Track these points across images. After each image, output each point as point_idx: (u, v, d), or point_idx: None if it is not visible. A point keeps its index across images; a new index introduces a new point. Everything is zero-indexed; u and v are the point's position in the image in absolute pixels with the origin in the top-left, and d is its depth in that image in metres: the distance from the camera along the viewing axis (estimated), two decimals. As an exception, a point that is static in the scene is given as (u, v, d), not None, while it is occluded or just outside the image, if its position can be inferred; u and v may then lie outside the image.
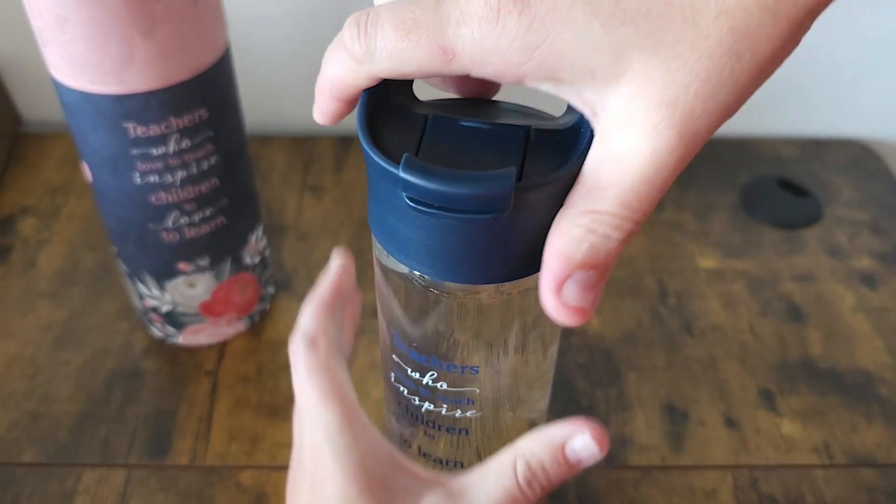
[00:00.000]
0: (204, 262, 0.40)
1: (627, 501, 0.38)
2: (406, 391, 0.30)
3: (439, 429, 0.30)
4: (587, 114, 0.21)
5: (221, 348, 0.44)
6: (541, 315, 0.27)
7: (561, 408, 0.41)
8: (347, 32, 0.21)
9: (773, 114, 0.59)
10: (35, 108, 0.58)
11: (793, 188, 0.55)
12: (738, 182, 0.55)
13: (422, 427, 0.31)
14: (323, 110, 0.24)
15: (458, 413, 0.29)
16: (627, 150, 0.20)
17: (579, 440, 0.25)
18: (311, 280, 0.48)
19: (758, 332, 0.46)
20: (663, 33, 0.18)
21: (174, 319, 0.42)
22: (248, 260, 0.42)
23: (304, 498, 0.26)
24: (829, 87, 0.58)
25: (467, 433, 0.30)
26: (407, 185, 0.21)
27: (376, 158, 0.22)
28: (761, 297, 0.47)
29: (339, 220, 0.51)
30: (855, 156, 0.58)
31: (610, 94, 0.20)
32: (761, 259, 0.50)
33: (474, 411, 0.29)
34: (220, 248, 0.40)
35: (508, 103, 0.26)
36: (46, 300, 0.46)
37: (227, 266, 0.41)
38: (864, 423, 0.41)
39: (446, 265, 0.23)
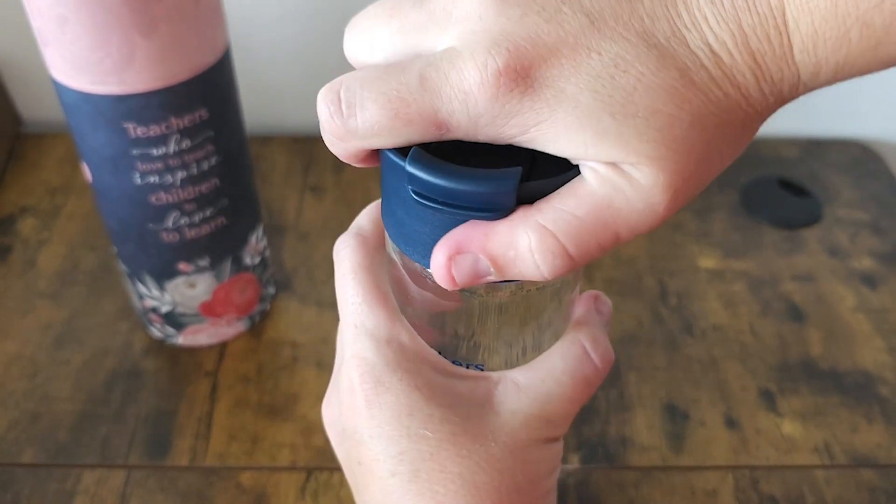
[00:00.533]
0: (204, 262, 0.40)
1: (628, 502, 0.38)
2: None
3: None
4: (568, 157, 0.21)
5: (221, 348, 0.44)
6: (555, 312, 0.27)
7: (561, 408, 0.41)
8: (323, 111, 0.21)
9: (774, 114, 0.59)
10: (35, 108, 0.58)
11: (793, 188, 0.55)
12: (738, 182, 0.55)
13: None
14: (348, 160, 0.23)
15: None
16: (618, 207, 0.20)
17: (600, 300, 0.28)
18: (311, 280, 0.48)
19: (758, 333, 0.46)
20: (672, 130, 0.19)
21: (174, 320, 0.42)
22: (248, 260, 0.42)
23: (357, 414, 0.25)
24: (829, 87, 0.58)
25: None
26: (412, 178, 0.21)
27: (386, 150, 0.22)
28: (762, 298, 0.47)
29: (339, 220, 0.51)
30: (855, 156, 0.58)
31: (602, 162, 0.20)
32: (762, 259, 0.50)
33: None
34: (220, 248, 0.40)
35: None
36: (46, 300, 0.46)
37: (227, 266, 0.41)
38: (864, 423, 0.41)
39: None
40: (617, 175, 0.19)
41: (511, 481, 0.24)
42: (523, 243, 0.20)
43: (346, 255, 0.26)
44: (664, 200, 0.20)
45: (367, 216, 0.27)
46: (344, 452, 0.27)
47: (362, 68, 0.21)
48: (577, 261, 0.20)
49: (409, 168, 0.21)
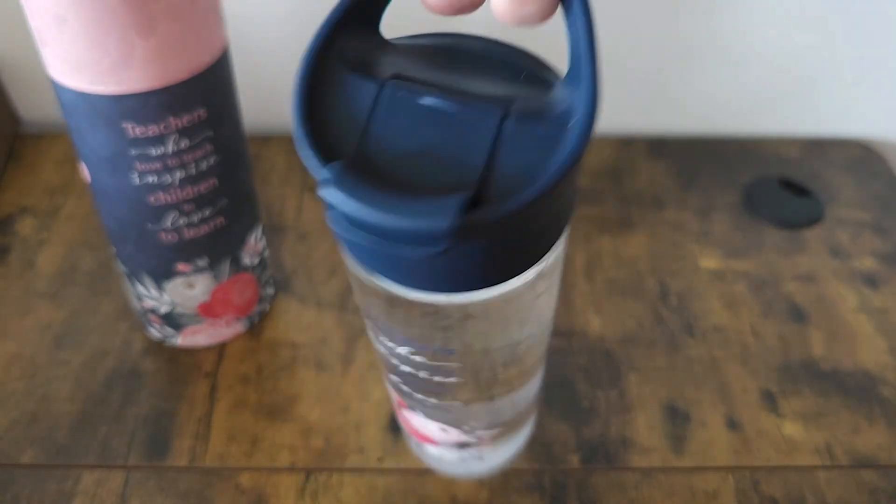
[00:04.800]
0: (203, 262, 0.40)
1: (628, 503, 0.38)
2: (383, 349, 0.27)
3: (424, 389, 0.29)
4: None
5: (220, 349, 0.44)
6: (528, 312, 0.25)
7: (561, 409, 0.41)
8: None
9: (775, 113, 0.59)
10: (34, 108, 0.58)
11: (794, 188, 0.54)
12: (739, 182, 0.55)
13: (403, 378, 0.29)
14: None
15: (437, 378, 0.27)
16: None
17: None
18: (310, 281, 0.47)
19: (759, 333, 0.45)
20: None
21: (173, 320, 0.42)
22: (247, 260, 0.42)
23: None
24: (830, 86, 0.58)
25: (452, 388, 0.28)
26: (330, 204, 0.18)
27: (304, 153, 0.18)
28: (763, 298, 0.47)
29: (339, 220, 0.51)
30: (857, 155, 0.58)
31: None
32: (763, 259, 0.50)
33: (455, 378, 0.27)
34: (218, 248, 0.40)
35: (503, 48, 0.21)
36: (45, 300, 0.46)
37: (226, 267, 0.41)
38: (865, 424, 0.41)
39: (404, 274, 0.20)
40: None
41: None
42: None
43: None
44: None
45: None
46: None
47: None
48: None
49: (324, 193, 0.18)
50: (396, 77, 0.20)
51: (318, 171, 0.18)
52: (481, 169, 0.18)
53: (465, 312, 0.23)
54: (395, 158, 0.18)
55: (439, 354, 0.25)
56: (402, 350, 0.26)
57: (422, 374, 0.27)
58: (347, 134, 0.19)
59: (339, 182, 0.17)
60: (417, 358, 0.26)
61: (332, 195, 0.17)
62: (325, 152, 0.19)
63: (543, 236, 0.21)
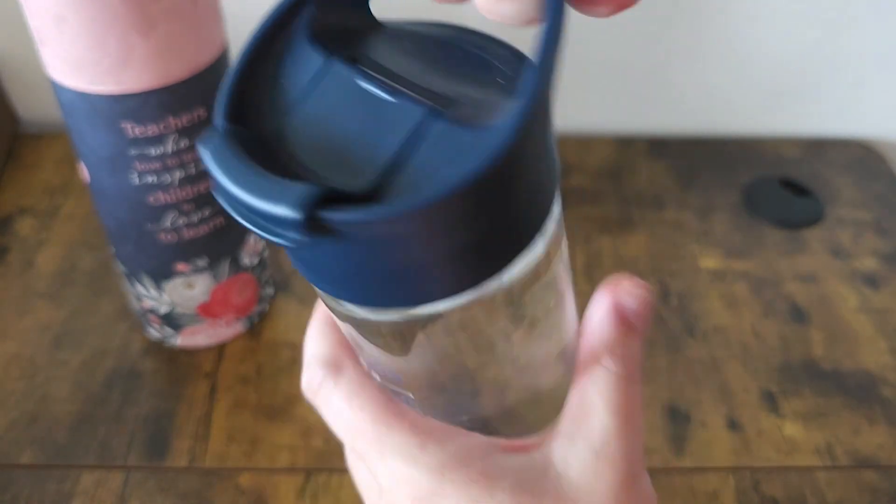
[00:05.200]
0: (202, 262, 0.40)
1: (628, 503, 0.38)
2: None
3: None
4: None
5: (220, 349, 0.44)
6: (548, 326, 0.23)
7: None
8: None
9: (776, 114, 0.59)
10: (33, 108, 0.58)
11: (795, 188, 0.54)
12: (740, 182, 0.55)
13: None
14: None
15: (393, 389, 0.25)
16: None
17: (623, 295, 0.24)
18: (310, 280, 0.47)
19: (760, 333, 0.45)
20: None
21: (172, 320, 0.42)
22: (246, 260, 0.42)
23: None
24: (831, 86, 0.58)
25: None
26: (206, 168, 0.16)
27: (216, 102, 0.17)
28: (763, 298, 0.47)
29: (338, 220, 0.51)
30: (857, 156, 0.58)
31: None
32: (763, 259, 0.50)
33: (411, 396, 0.25)
34: (218, 248, 0.40)
35: (504, 50, 0.18)
36: (45, 300, 0.46)
37: (225, 267, 0.41)
38: (866, 424, 0.41)
39: (328, 280, 0.18)
40: None
41: None
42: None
43: (331, 394, 0.23)
44: None
45: (322, 340, 0.24)
46: None
47: None
48: None
49: (199, 146, 0.16)
50: (351, 56, 0.17)
51: (213, 122, 0.16)
52: (383, 166, 0.16)
53: (396, 330, 0.20)
54: (309, 139, 0.17)
55: (387, 376, 0.23)
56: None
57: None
58: (277, 102, 0.17)
59: (208, 142, 0.16)
60: (373, 374, 0.24)
61: (200, 151, 0.16)
62: (243, 112, 0.17)
63: (457, 261, 0.17)
